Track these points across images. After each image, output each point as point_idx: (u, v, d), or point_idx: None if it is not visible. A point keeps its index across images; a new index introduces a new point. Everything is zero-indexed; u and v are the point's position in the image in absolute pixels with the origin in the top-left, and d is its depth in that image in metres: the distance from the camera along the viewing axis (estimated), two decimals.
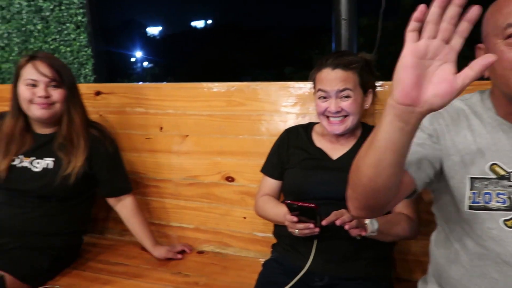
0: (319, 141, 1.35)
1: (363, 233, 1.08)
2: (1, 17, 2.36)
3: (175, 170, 1.76)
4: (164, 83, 1.83)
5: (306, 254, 1.22)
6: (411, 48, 0.63)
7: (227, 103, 1.65)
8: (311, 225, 1.12)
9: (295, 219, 1.13)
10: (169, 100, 1.73)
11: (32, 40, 2.34)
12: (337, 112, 1.24)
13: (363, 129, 1.35)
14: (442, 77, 0.63)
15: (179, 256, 1.64)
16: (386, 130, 0.68)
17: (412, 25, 0.63)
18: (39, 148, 1.50)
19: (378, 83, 1.40)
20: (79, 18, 2.25)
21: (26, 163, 1.48)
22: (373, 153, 0.72)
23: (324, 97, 1.26)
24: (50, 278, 1.46)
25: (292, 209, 1.13)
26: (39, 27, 2.31)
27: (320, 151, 1.33)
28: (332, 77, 1.24)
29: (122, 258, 1.67)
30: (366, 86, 1.29)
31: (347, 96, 1.24)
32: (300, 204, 1.11)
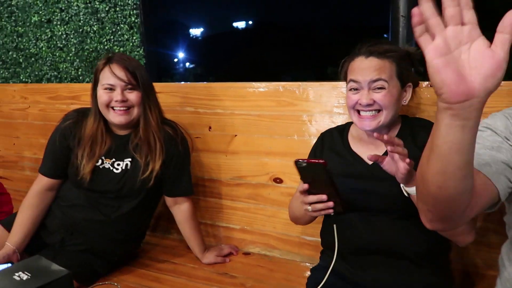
0: (354, 144, 1.25)
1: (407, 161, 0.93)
2: (61, 19, 2.47)
3: (223, 170, 1.76)
4: (214, 82, 1.83)
5: (355, 265, 1.17)
6: (431, 49, 0.57)
7: (277, 103, 1.62)
8: (324, 197, 1.05)
9: (305, 186, 1.07)
10: (218, 100, 1.73)
11: (88, 41, 2.43)
12: (369, 105, 1.12)
13: (403, 124, 1.22)
14: (480, 56, 0.57)
15: (227, 259, 1.64)
16: (446, 133, 0.63)
17: (417, 30, 0.58)
18: (118, 150, 1.51)
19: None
20: (133, 19, 2.31)
21: (107, 164, 1.50)
22: (437, 159, 0.67)
23: (356, 89, 1.15)
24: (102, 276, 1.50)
25: (300, 169, 1.07)
26: (95, 28, 2.40)
27: (354, 155, 1.23)
28: (365, 66, 1.13)
29: (170, 256, 1.69)
30: (404, 78, 1.15)
31: (381, 88, 1.11)
32: (308, 160, 1.05)
